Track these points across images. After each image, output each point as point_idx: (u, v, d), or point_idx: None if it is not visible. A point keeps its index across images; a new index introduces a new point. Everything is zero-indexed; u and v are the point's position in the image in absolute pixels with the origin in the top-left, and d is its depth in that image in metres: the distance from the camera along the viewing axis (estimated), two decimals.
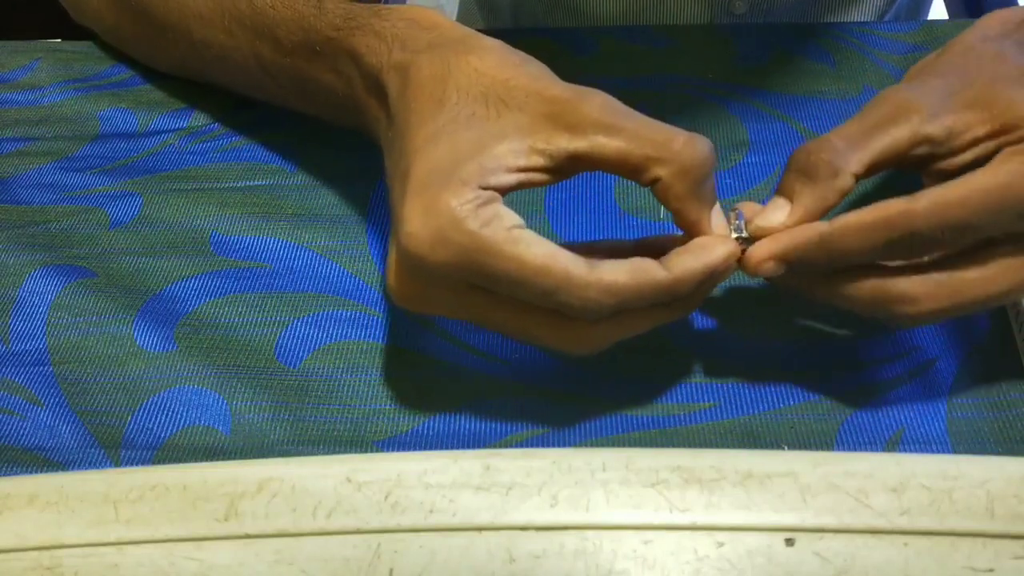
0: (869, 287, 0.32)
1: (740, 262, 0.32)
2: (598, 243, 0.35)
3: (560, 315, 0.30)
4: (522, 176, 0.31)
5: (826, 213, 0.32)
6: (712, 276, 0.31)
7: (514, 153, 0.30)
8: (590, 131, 0.30)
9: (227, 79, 0.46)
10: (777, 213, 0.32)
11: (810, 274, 0.33)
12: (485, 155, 0.30)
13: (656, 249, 0.33)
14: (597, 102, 0.31)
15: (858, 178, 0.32)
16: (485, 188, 0.30)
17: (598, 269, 0.29)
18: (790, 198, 0.32)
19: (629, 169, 0.31)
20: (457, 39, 0.34)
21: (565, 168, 0.31)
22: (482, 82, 0.32)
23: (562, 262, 0.29)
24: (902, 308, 0.31)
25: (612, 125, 0.30)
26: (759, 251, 0.32)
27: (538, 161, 0.31)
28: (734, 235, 0.33)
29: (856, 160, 0.31)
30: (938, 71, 0.34)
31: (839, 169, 0.31)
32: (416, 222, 0.29)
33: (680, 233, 0.33)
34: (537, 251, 0.29)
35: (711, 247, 0.31)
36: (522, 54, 0.34)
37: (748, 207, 0.33)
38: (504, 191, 0.30)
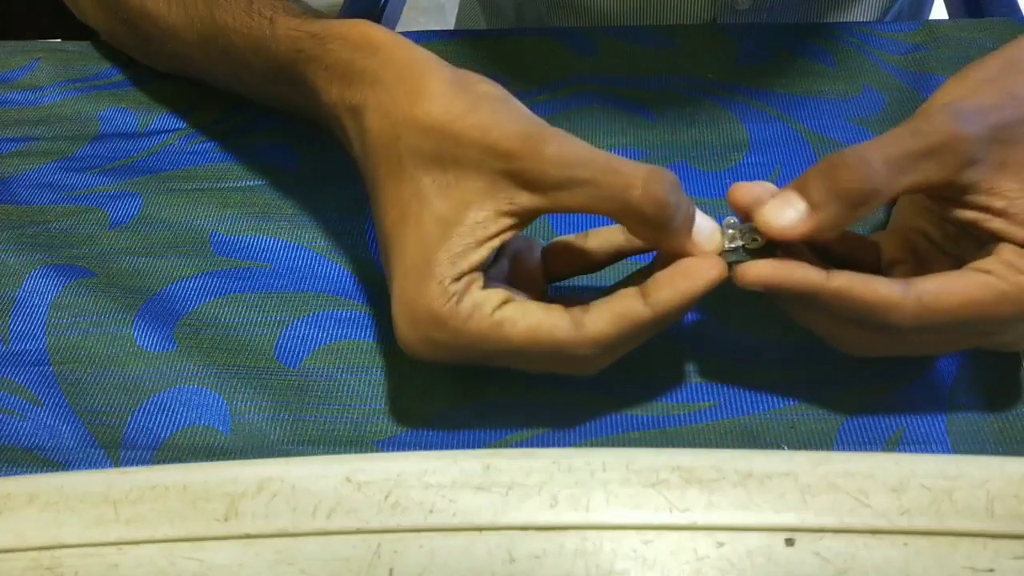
0: (829, 325, 0.33)
1: (731, 274, 0.32)
2: (591, 234, 0.36)
3: (556, 360, 0.32)
4: (494, 242, 0.31)
5: (841, 231, 0.32)
6: (696, 300, 0.31)
7: (482, 225, 0.31)
8: (550, 189, 0.30)
9: (221, 87, 0.47)
10: (789, 212, 0.31)
11: (787, 297, 0.33)
12: (453, 239, 0.31)
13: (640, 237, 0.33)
14: (552, 153, 0.30)
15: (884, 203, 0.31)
16: (459, 277, 0.30)
17: (584, 326, 0.30)
18: (808, 200, 0.31)
19: (596, 214, 0.31)
20: (400, 75, 0.32)
21: (531, 219, 0.32)
22: (431, 140, 0.31)
23: (548, 330, 0.30)
24: (856, 350, 0.33)
25: (570, 180, 0.30)
26: (751, 272, 0.31)
27: (505, 222, 0.31)
28: (728, 244, 0.32)
29: (890, 192, 0.30)
30: (1000, 90, 0.32)
31: (870, 199, 0.30)
32: (405, 329, 0.32)
33: None
34: (522, 328, 0.30)
35: (694, 273, 0.31)
36: (470, 85, 0.32)
37: (749, 190, 0.33)
38: (480, 265, 0.31)
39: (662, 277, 0.31)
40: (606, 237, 0.36)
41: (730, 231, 0.33)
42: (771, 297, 0.33)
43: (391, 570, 0.28)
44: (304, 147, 0.47)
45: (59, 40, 0.54)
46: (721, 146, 0.45)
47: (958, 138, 0.30)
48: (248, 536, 0.28)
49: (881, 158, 0.30)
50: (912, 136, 0.30)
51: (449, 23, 1.71)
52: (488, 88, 0.32)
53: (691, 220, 0.32)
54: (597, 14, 0.60)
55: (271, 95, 0.42)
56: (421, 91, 0.32)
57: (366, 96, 0.33)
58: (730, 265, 0.32)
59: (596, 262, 0.36)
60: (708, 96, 0.48)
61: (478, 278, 0.31)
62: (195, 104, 0.49)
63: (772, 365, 0.36)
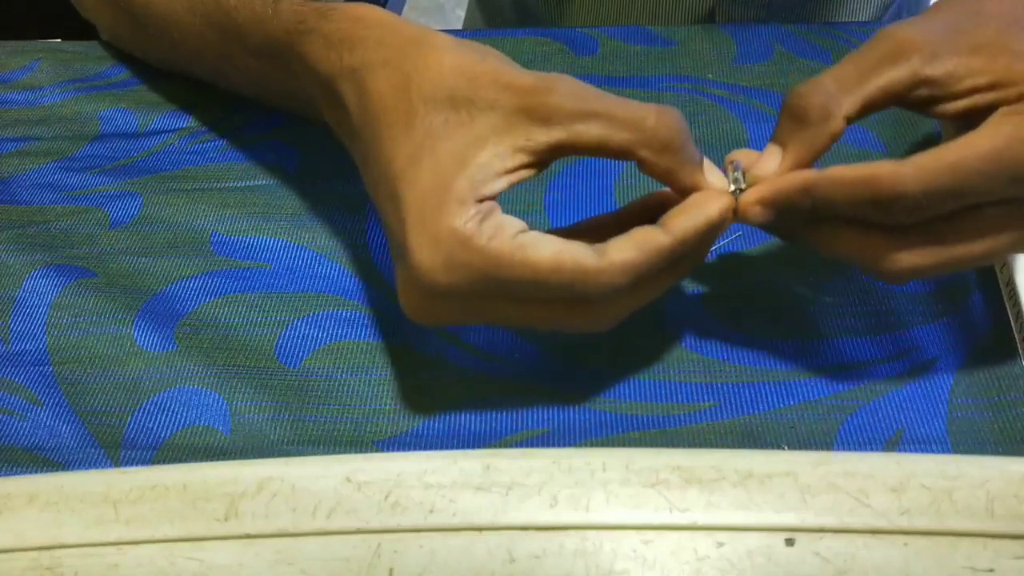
0: (850, 239, 0.32)
1: (735, 213, 0.33)
2: (582, 224, 0.35)
3: (575, 301, 0.31)
4: (512, 177, 0.31)
5: (818, 157, 0.32)
6: (712, 229, 0.32)
7: (499, 157, 0.30)
8: (566, 121, 0.30)
9: (209, 77, 0.47)
10: (770, 161, 0.32)
11: (796, 220, 0.33)
12: (471, 167, 0.30)
13: (642, 213, 0.33)
14: (566, 89, 0.31)
15: (850, 120, 0.32)
16: (481, 200, 0.30)
17: (607, 253, 0.30)
18: (783, 145, 0.32)
19: (609, 153, 0.31)
20: (407, 39, 0.33)
21: (548, 158, 0.31)
22: (445, 84, 0.31)
23: (571, 256, 0.29)
24: (882, 265, 0.31)
25: (586, 112, 0.30)
26: (747, 197, 0.32)
27: (522, 159, 0.31)
28: (732, 187, 0.33)
29: (849, 102, 0.31)
30: (952, 5, 0.33)
31: (830, 112, 0.31)
32: (424, 252, 0.30)
33: (664, 189, 0.33)
34: (545, 252, 0.29)
35: (706, 203, 0.32)
36: (477, 45, 0.33)
37: (744, 155, 0.34)
38: (497, 196, 0.31)
39: (677, 209, 0.32)
40: (599, 221, 0.36)
41: (733, 174, 0.33)
42: (774, 233, 0.34)
43: (391, 570, 0.28)
44: (304, 147, 0.47)
45: (59, 40, 0.54)
46: (721, 146, 0.45)
47: (907, 37, 0.31)
48: (248, 536, 0.28)
49: (831, 77, 0.31)
50: (862, 51, 0.32)
51: (449, 23, 1.71)
52: (492, 48, 0.33)
53: (700, 159, 0.33)
54: (598, 10, 0.60)
55: (258, 79, 0.41)
56: (431, 46, 0.32)
57: (369, 56, 0.33)
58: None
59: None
60: (708, 96, 0.48)
61: (498, 207, 0.31)
62: (195, 104, 0.49)
63: (772, 365, 0.36)
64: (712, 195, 0.32)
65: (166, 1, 0.44)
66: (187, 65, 0.47)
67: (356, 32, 0.34)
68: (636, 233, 0.31)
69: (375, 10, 0.35)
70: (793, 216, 0.32)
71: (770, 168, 0.32)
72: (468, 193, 0.30)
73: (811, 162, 0.32)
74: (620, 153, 0.31)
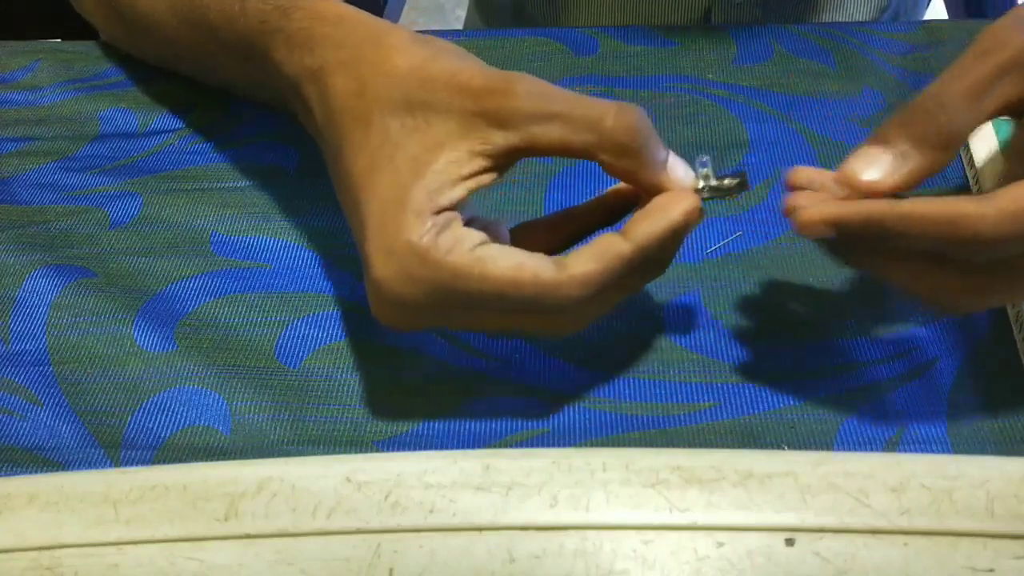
0: (914, 272, 0.30)
1: (789, 216, 0.31)
2: (542, 220, 0.35)
3: (537, 311, 0.30)
4: (470, 183, 0.30)
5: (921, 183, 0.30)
6: (676, 234, 0.31)
7: (455, 163, 0.30)
8: (524, 123, 0.30)
9: (200, 75, 0.47)
10: (878, 165, 0.30)
11: (854, 243, 0.31)
12: (428, 175, 0.30)
13: (603, 209, 0.33)
14: (523, 89, 0.30)
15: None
16: (438, 212, 0.30)
17: (567, 266, 0.29)
18: (894, 151, 0.30)
19: (571, 154, 0.31)
20: (364, 38, 0.32)
21: (507, 162, 0.31)
22: (400, 88, 0.31)
23: (532, 269, 0.29)
24: (947, 300, 0.30)
25: (543, 113, 0.30)
26: (813, 213, 0.30)
27: (480, 163, 0.30)
28: (700, 184, 0.32)
29: (974, 125, 0.29)
30: None
31: (956, 140, 0.29)
32: (381, 267, 0.30)
33: (620, 184, 0.33)
34: (503, 266, 0.29)
35: (669, 207, 0.31)
36: (434, 41, 0.32)
37: (808, 174, 0.32)
38: (457, 205, 0.30)
39: (639, 214, 0.31)
40: (572, 213, 0.35)
41: (702, 170, 0.33)
42: (838, 251, 0.32)
43: (391, 570, 0.28)
44: (304, 147, 0.47)
45: (59, 40, 0.54)
46: (721, 146, 0.45)
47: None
48: (248, 536, 0.28)
49: (958, 94, 0.29)
50: (979, 61, 0.29)
51: (449, 23, 1.71)
52: (449, 43, 0.32)
53: (665, 157, 0.32)
54: (594, 11, 0.60)
55: (241, 77, 0.42)
56: (386, 47, 0.32)
57: (328, 58, 0.33)
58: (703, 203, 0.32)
59: (564, 238, 0.35)
60: (708, 96, 0.48)
61: (457, 217, 0.30)
62: (195, 104, 0.49)
63: (772, 365, 0.36)
64: (675, 197, 0.31)
65: (150, 1, 0.44)
66: (177, 63, 0.47)
67: (316, 31, 0.34)
68: (597, 243, 0.30)
69: (334, 5, 0.34)
70: (853, 240, 0.31)
71: (879, 174, 0.30)
72: (425, 204, 0.29)
73: (921, 182, 0.30)
74: (581, 155, 0.30)
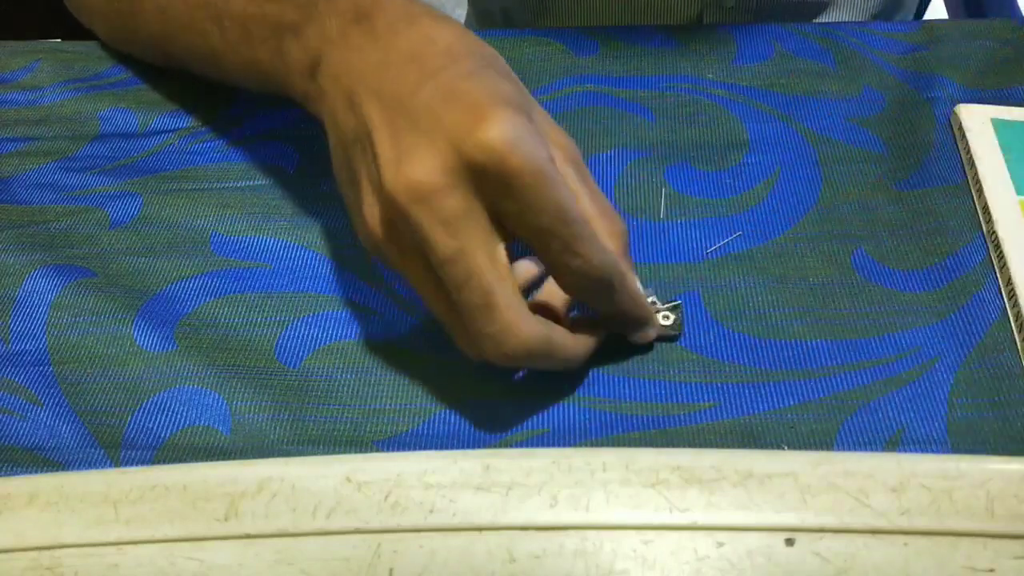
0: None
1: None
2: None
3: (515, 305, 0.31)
4: None
5: None
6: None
7: None
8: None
9: (194, 55, 0.46)
10: None
11: None
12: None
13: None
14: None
15: None
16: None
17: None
18: None
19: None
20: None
21: None
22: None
23: (589, 228, 0.31)
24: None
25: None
26: None
27: None
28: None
29: None
30: None
31: None
32: (501, 121, 0.29)
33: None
34: (577, 209, 0.31)
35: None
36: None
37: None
38: None
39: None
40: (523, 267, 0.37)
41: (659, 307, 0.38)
42: None
43: (391, 570, 0.28)
44: (304, 147, 0.47)
45: (59, 40, 0.54)
46: (721, 146, 0.45)
47: None
48: (248, 536, 0.28)
49: None
50: None
51: None
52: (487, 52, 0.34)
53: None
54: (582, 18, 0.60)
55: (242, 34, 0.41)
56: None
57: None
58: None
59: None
60: (708, 96, 0.48)
61: None
62: (195, 104, 0.49)
63: (772, 365, 0.36)
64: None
65: None
66: (171, 45, 0.47)
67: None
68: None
69: None
70: None
71: None
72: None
73: None
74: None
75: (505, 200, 0.30)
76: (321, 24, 0.36)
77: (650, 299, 0.37)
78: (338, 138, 0.34)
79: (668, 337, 0.37)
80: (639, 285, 0.35)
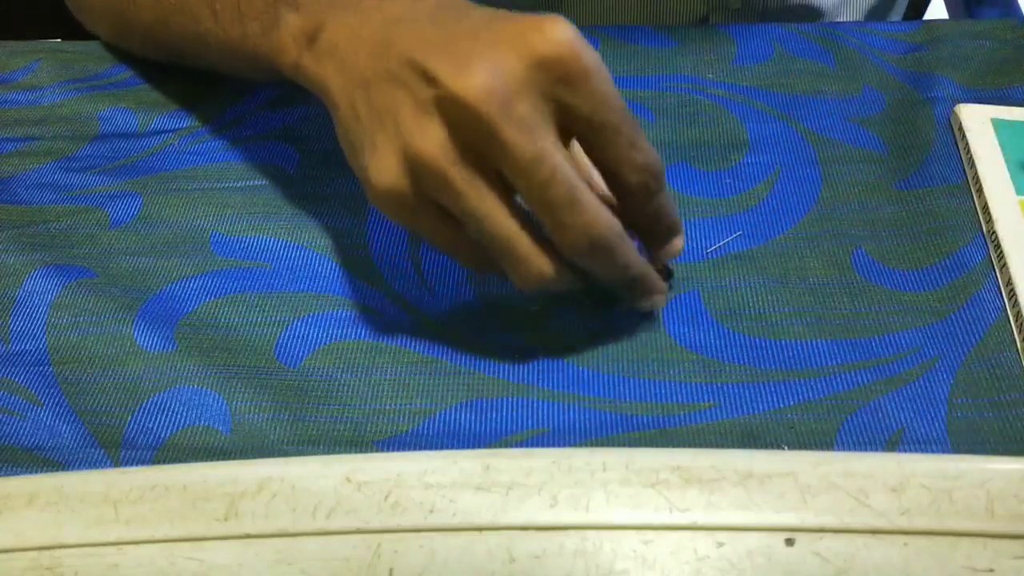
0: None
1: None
2: None
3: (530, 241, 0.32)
4: None
5: None
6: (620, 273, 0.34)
7: None
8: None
9: (188, 38, 0.46)
10: None
11: None
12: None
13: None
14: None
15: None
16: None
17: None
18: None
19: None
20: None
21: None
22: None
23: None
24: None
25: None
26: None
27: None
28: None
29: None
30: None
31: None
32: (553, 25, 0.30)
33: None
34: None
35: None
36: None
37: None
38: None
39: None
40: None
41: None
42: None
43: (391, 570, 0.28)
44: (304, 147, 0.47)
45: (59, 40, 0.54)
46: (721, 146, 0.45)
47: None
48: (248, 536, 0.28)
49: None
50: None
51: None
52: None
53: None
54: (589, 17, 0.60)
55: (235, 28, 0.41)
56: None
57: None
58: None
59: None
60: (708, 96, 0.48)
61: None
62: (195, 104, 0.49)
63: (772, 365, 0.36)
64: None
65: None
66: (165, 32, 0.47)
67: None
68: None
69: None
70: None
71: None
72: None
73: None
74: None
75: (577, 96, 0.31)
76: None
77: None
78: (348, 95, 0.34)
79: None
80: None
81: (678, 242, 0.37)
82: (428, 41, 0.32)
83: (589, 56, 0.30)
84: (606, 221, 0.32)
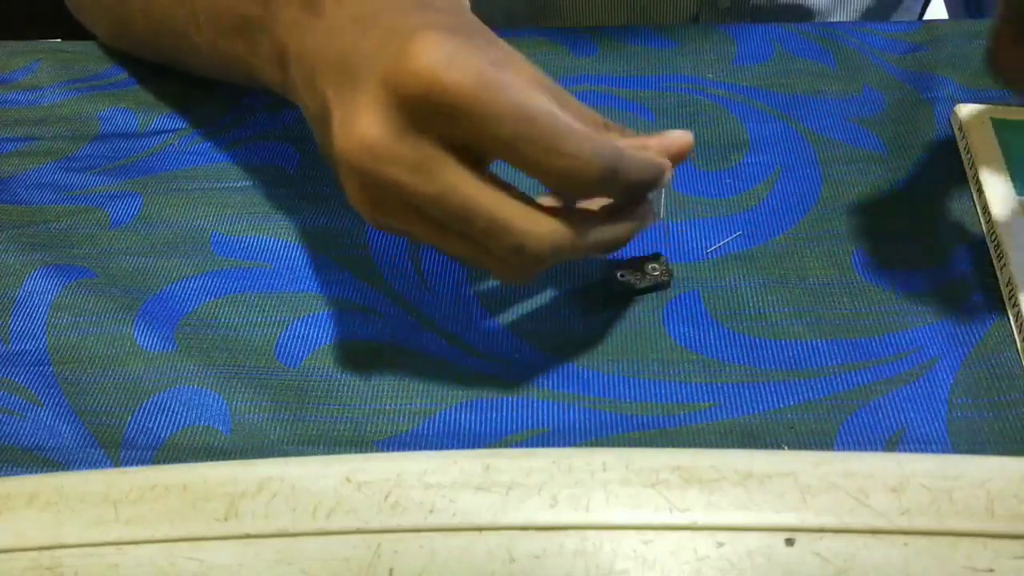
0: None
1: None
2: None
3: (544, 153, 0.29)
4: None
5: None
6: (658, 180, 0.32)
7: None
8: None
9: (175, 43, 0.46)
10: None
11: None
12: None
13: None
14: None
15: None
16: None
17: (604, 131, 0.31)
18: None
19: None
20: None
21: None
22: None
23: (564, 118, 0.28)
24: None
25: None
26: None
27: None
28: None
29: None
30: None
31: None
32: (430, 44, 0.27)
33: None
34: (540, 98, 0.28)
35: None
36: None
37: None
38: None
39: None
40: None
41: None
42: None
43: (391, 570, 0.28)
44: (304, 147, 0.47)
45: (59, 40, 0.54)
46: (721, 146, 0.45)
47: None
48: (248, 536, 0.28)
49: None
50: None
51: None
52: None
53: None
54: (578, 18, 0.60)
55: (224, 45, 0.41)
56: None
57: None
58: None
59: None
60: (708, 96, 0.48)
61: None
62: (195, 104, 0.49)
63: (772, 365, 0.36)
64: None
65: None
66: (159, 43, 0.47)
67: None
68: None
69: None
70: None
71: None
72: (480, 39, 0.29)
73: None
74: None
75: (458, 125, 0.28)
76: (278, 15, 0.35)
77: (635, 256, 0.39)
78: (311, 122, 0.33)
79: (661, 284, 0.38)
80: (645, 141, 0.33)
81: (665, 178, 0.33)
82: (335, 76, 0.31)
83: (457, 74, 0.27)
84: (544, 232, 0.29)
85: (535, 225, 0.29)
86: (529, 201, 0.30)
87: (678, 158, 0.33)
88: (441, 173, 0.28)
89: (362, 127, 0.28)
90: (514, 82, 0.28)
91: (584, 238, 0.31)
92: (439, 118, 0.28)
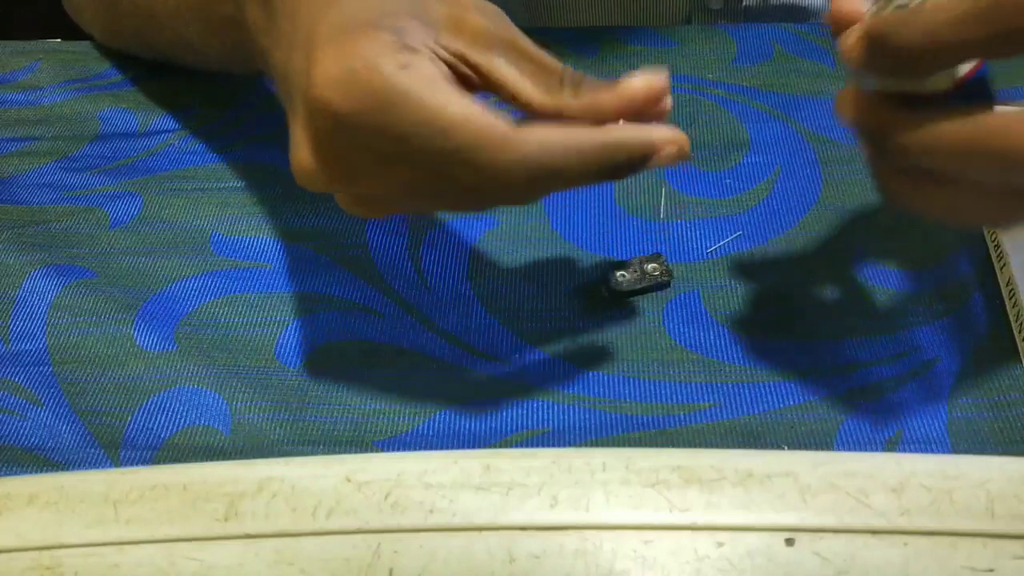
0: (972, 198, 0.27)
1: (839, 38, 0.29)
2: None
3: (467, 170, 0.27)
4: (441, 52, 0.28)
5: None
6: (646, 157, 0.30)
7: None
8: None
9: (171, 40, 0.46)
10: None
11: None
12: (414, 4, 0.28)
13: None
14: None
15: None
16: (403, 44, 0.27)
17: (525, 128, 0.27)
18: None
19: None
20: None
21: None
22: None
23: (485, 117, 0.27)
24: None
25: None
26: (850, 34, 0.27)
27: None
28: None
29: None
30: None
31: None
32: (325, 65, 0.26)
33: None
34: (459, 104, 0.26)
35: (656, 131, 0.30)
36: None
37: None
38: (422, 51, 0.27)
39: (625, 121, 0.31)
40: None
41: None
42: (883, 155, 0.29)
43: (391, 570, 0.28)
44: None
45: (59, 40, 0.54)
46: (721, 146, 0.45)
47: None
48: (248, 536, 0.28)
49: None
50: None
51: None
52: None
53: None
54: (572, 17, 0.60)
55: (213, 40, 0.41)
56: None
57: None
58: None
59: None
60: (708, 96, 0.48)
61: (428, 53, 0.28)
62: (195, 104, 0.49)
63: (772, 365, 0.36)
64: (667, 133, 0.30)
65: None
66: (152, 38, 0.47)
67: None
68: (570, 123, 0.29)
69: None
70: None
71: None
72: (389, 22, 0.27)
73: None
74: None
75: (370, 147, 0.27)
76: (246, 12, 0.35)
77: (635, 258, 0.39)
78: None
79: (661, 284, 0.38)
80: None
81: (662, 155, 0.31)
82: (283, 93, 0.31)
83: (352, 109, 0.26)
84: (514, 162, 0.27)
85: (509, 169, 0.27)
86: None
87: (650, 104, 0.31)
88: (380, 190, 0.29)
89: (297, 155, 0.29)
90: (419, 91, 0.26)
91: (578, 138, 0.29)
92: (351, 139, 0.27)
